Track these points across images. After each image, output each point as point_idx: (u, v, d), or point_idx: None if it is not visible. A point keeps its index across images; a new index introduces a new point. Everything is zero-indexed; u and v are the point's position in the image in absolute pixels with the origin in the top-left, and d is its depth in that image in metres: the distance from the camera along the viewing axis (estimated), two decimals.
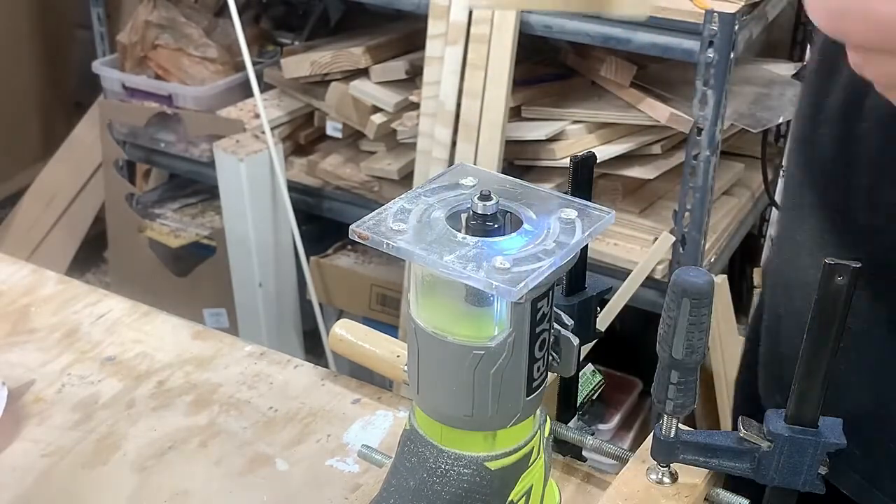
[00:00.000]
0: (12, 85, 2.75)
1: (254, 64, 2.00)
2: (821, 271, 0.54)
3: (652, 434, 0.64)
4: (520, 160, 1.83)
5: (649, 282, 1.65)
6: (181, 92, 2.20)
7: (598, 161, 0.67)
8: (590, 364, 0.78)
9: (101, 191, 2.45)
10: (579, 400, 0.75)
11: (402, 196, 0.55)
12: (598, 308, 0.70)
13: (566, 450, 0.75)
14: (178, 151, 2.21)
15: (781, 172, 2.06)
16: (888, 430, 0.68)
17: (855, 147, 0.67)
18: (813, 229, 0.72)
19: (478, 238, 0.52)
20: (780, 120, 1.78)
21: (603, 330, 0.72)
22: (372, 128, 1.94)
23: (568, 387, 0.73)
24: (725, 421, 1.79)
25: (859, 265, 0.53)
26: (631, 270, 1.76)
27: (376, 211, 0.54)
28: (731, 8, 1.50)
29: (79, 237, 2.57)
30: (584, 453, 0.76)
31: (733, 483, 0.65)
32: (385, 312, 2.11)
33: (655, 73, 1.81)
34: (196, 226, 2.31)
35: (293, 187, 2.02)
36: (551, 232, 0.53)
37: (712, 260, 1.77)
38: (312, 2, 2.40)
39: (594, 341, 0.72)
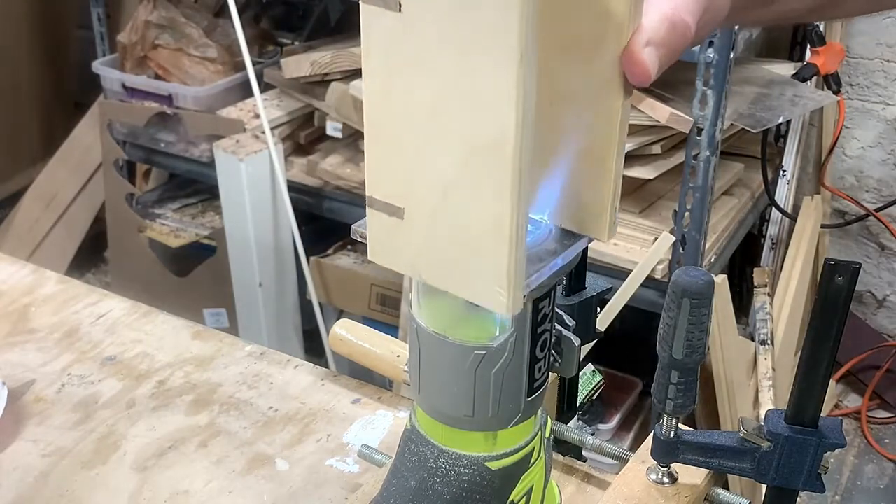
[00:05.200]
0: (12, 85, 2.75)
1: (254, 64, 2.00)
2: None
3: (652, 434, 0.64)
4: None
5: (649, 282, 1.64)
6: (181, 92, 2.20)
7: None
8: (590, 364, 0.78)
9: (101, 191, 2.45)
10: (579, 400, 0.75)
11: None
12: (599, 308, 0.70)
13: (566, 450, 0.75)
14: (178, 151, 2.21)
15: (781, 172, 2.06)
16: None
17: None
18: None
19: None
20: (780, 120, 1.78)
21: (603, 330, 0.72)
22: None
23: (568, 387, 0.74)
24: (725, 421, 1.79)
25: (859, 265, 0.53)
26: (631, 270, 1.75)
27: None
28: None
29: (79, 237, 2.56)
30: (584, 453, 0.76)
31: None
32: (385, 312, 2.11)
33: None
34: (196, 226, 2.31)
35: (293, 187, 2.02)
36: (553, 232, 0.53)
37: (712, 260, 1.77)
38: (312, 2, 2.40)
39: (594, 341, 0.72)
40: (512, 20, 0.40)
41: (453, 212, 0.45)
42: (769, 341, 1.93)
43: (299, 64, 2.04)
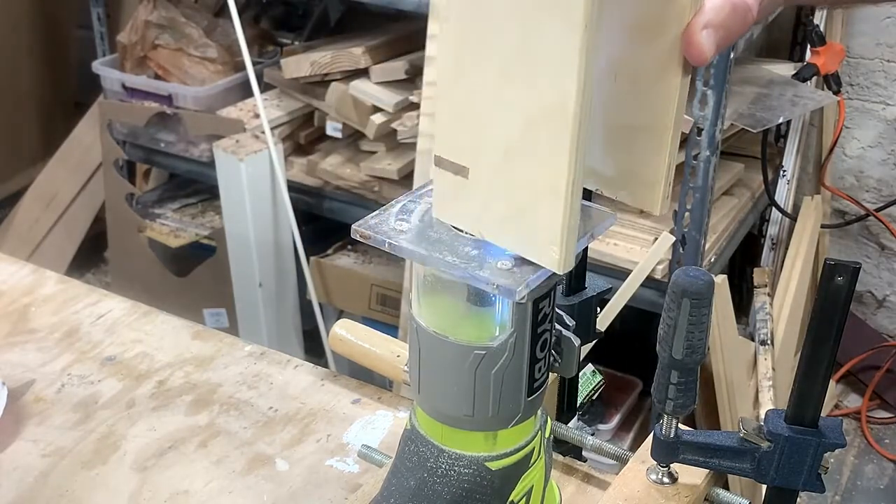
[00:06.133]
0: (12, 85, 2.75)
1: (254, 64, 2.00)
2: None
3: (652, 434, 0.64)
4: None
5: (649, 282, 1.64)
6: (181, 92, 2.20)
7: None
8: (590, 364, 0.78)
9: (101, 191, 2.45)
10: (579, 400, 0.75)
11: (405, 195, 0.55)
12: (599, 308, 0.70)
13: (566, 450, 0.75)
14: (178, 151, 2.21)
15: (781, 172, 2.06)
16: None
17: None
18: None
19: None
20: (780, 120, 1.78)
21: (603, 330, 0.72)
22: (372, 128, 1.94)
23: (568, 387, 0.73)
24: (725, 421, 1.79)
25: (859, 265, 0.53)
26: (631, 270, 1.75)
27: (378, 210, 0.54)
28: None
29: (79, 237, 2.56)
30: (584, 453, 0.76)
31: None
32: (385, 312, 2.11)
33: None
34: (196, 226, 2.31)
35: (293, 187, 2.02)
36: None
37: (712, 260, 1.77)
38: (312, 2, 2.40)
39: (594, 341, 0.72)
40: None
41: (514, 172, 0.47)
42: (769, 341, 1.93)
43: (299, 64, 2.04)
